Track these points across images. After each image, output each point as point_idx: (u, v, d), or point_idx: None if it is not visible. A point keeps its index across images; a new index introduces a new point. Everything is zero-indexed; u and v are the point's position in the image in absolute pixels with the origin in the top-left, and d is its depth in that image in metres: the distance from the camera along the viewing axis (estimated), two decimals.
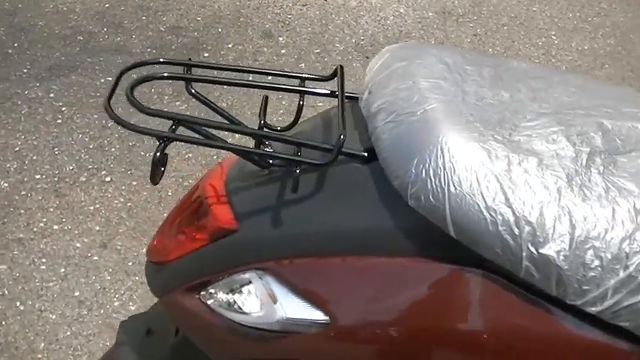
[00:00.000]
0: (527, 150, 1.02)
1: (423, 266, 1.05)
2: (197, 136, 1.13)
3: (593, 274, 0.94)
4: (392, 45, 1.29)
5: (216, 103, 1.24)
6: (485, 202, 0.96)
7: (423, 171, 0.98)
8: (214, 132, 1.14)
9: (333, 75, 1.25)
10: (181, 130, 1.09)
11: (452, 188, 0.96)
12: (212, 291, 1.17)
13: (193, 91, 1.20)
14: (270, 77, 1.34)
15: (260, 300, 1.12)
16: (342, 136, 1.03)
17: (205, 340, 1.25)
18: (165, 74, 1.15)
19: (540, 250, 0.94)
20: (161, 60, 1.24)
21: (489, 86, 1.17)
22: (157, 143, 1.06)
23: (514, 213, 0.95)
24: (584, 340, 1.02)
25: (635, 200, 0.98)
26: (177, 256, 1.23)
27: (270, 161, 1.15)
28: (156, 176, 1.10)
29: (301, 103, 1.23)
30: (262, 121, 1.18)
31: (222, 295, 1.16)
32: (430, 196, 0.97)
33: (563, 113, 1.12)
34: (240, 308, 1.13)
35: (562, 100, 1.17)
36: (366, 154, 1.10)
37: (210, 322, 1.17)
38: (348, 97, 1.23)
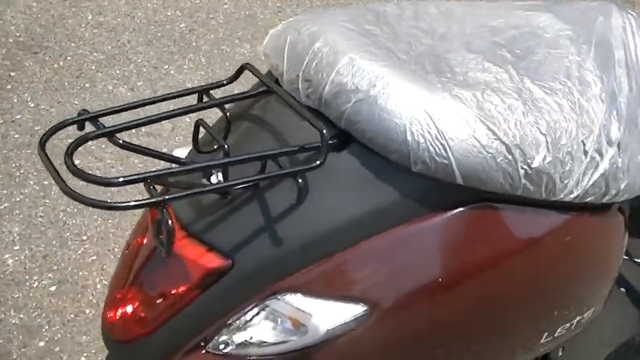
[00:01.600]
0: (480, 84, 1.11)
1: (437, 220, 1.09)
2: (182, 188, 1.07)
3: (568, 167, 1.08)
4: (286, 23, 1.25)
5: (143, 147, 1.12)
6: (481, 142, 1.03)
7: (420, 136, 1.02)
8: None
9: (235, 76, 1.19)
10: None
11: (451, 142, 1.02)
12: (225, 338, 1.08)
13: (121, 141, 1.05)
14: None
15: (290, 321, 1.06)
16: (324, 131, 1.01)
17: None
18: (92, 134, 1.01)
19: (532, 165, 1.05)
20: (65, 121, 1.06)
21: (406, 37, 1.22)
22: None
23: (504, 143, 1.04)
24: (563, 226, 1.19)
25: (567, 96, 1.12)
26: (163, 322, 1.10)
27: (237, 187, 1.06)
28: (170, 247, 1.00)
29: (227, 115, 1.17)
30: (195, 149, 1.17)
31: (240, 336, 1.08)
32: (435, 157, 1.02)
33: (474, 43, 1.23)
34: (266, 340, 1.07)
35: (465, 31, 1.27)
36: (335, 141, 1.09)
37: None
38: (264, 92, 1.18)
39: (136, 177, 0.94)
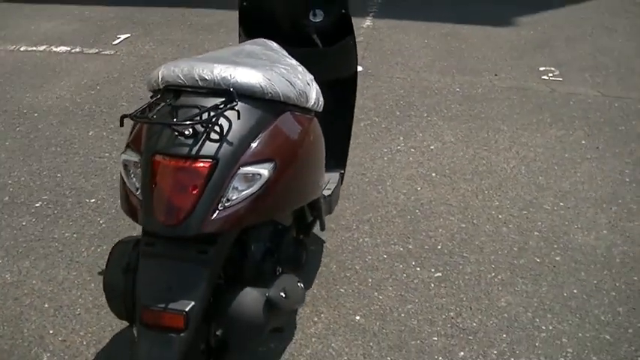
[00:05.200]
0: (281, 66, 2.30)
1: (284, 116, 2.18)
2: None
3: (307, 92, 2.34)
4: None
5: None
6: (295, 87, 2.23)
7: (267, 85, 2.10)
8: None
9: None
10: None
11: (278, 86, 2.13)
12: (228, 196, 1.99)
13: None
14: None
15: (248, 177, 2.03)
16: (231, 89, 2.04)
17: None
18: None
19: (302, 90, 2.27)
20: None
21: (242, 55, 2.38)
22: None
23: (295, 86, 2.23)
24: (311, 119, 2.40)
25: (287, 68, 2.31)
26: (194, 205, 1.91)
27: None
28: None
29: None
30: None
31: (232, 194, 2.01)
32: (275, 91, 2.13)
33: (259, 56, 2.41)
34: (241, 188, 2.06)
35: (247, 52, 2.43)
36: None
37: None
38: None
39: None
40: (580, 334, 2.76)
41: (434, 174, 3.97)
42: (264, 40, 2.64)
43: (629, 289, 3.03)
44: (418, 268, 3.14)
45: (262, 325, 2.08)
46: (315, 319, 2.81)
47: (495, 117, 4.75)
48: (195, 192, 1.90)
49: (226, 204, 1.95)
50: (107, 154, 4.12)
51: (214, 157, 1.92)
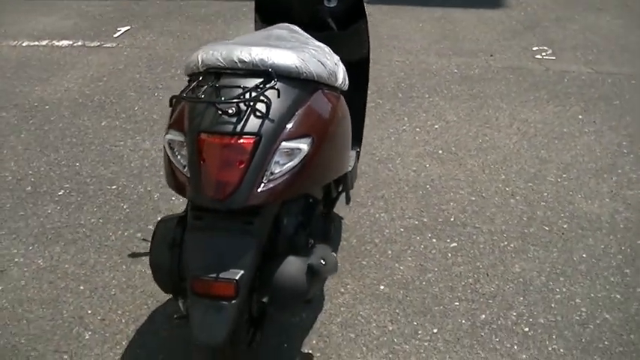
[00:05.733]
0: (311, 47, 2.46)
1: (318, 93, 2.32)
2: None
3: (335, 71, 2.49)
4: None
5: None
6: (326, 67, 2.38)
7: (303, 66, 2.24)
8: None
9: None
10: None
11: (313, 67, 2.28)
12: (272, 169, 2.11)
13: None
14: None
15: (289, 151, 2.15)
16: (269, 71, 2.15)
17: None
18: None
19: (332, 71, 2.41)
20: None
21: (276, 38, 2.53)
22: None
23: (328, 68, 2.39)
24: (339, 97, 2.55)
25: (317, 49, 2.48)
26: (239, 181, 2.03)
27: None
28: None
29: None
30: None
31: (276, 167, 2.14)
32: (311, 72, 2.28)
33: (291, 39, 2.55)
34: (283, 162, 2.16)
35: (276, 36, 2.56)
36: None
37: None
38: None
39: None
40: (592, 295, 2.92)
41: (440, 151, 4.11)
42: (287, 24, 2.76)
43: (634, 252, 3.19)
44: (434, 240, 3.28)
45: (306, 292, 2.21)
46: (342, 290, 2.95)
47: (494, 96, 4.89)
48: (241, 167, 2.02)
49: (270, 177, 2.08)
50: (122, 143, 4.23)
51: (257, 134, 2.05)
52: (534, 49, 5.86)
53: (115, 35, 6.23)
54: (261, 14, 3.18)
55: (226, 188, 2.03)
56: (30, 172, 3.93)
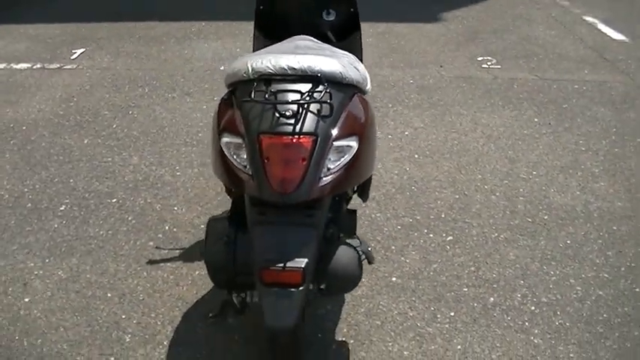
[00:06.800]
0: (342, 55, 2.68)
1: (355, 98, 2.51)
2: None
3: (366, 77, 2.68)
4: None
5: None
6: (360, 73, 2.58)
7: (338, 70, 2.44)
8: None
9: None
10: None
11: (349, 72, 2.47)
12: (328, 166, 2.30)
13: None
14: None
15: (339, 149, 2.33)
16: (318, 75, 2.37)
17: None
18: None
19: (364, 76, 2.63)
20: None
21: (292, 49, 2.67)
22: None
23: (361, 73, 2.60)
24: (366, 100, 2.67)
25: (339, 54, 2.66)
26: (302, 177, 2.21)
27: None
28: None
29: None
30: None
31: (331, 164, 2.31)
32: (345, 76, 2.47)
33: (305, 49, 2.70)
34: (334, 159, 2.35)
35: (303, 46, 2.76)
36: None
37: None
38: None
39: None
40: (583, 275, 3.22)
41: (416, 155, 4.38)
42: (304, 36, 2.97)
43: (612, 236, 3.53)
44: (431, 235, 3.54)
45: (360, 277, 2.43)
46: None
47: (453, 103, 5.21)
48: (304, 163, 2.22)
49: (327, 173, 2.27)
50: (110, 159, 4.34)
51: (315, 133, 2.25)
52: (479, 59, 6.23)
53: (72, 57, 6.29)
54: (263, 30, 3.37)
55: (291, 183, 2.22)
56: (25, 189, 4.00)
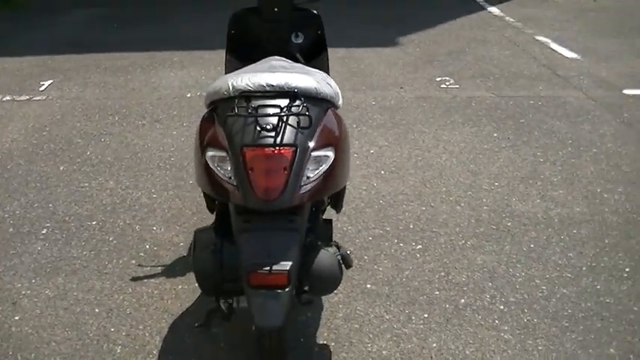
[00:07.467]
0: (315, 73, 2.88)
1: (329, 112, 2.72)
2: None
3: (337, 91, 2.90)
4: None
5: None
6: (333, 88, 2.82)
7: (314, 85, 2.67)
8: None
9: None
10: None
11: (323, 88, 2.70)
12: (308, 175, 2.48)
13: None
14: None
15: (317, 159, 2.52)
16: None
17: None
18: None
19: (336, 91, 2.86)
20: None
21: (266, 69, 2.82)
22: None
23: (334, 88, 2.83)
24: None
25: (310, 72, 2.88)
26: (283, 186, 2.40)
27: None
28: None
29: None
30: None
31: (310, 172, 2.49)
32: (321, 92, 2.71)
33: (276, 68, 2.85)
34: (314, 168, 2.53)
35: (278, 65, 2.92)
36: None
37: None
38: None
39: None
40: (547, 276, 3.43)
41: (382, 172, 4.58)
42: (277, 57, 3.15)
43: (572, 239, 3.75)
44: (401, 244, 3.72)
45: (341, 279, 2.59)
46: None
47: (414, 122, 5.43)
48: (285, 172, 2.40)
49: (306, 181, 2.45)
50: (87, 184, 4.46)
51: (294, 144, 2.42)
52: (438, 79, 6.48)
53: (41, 89, 6.40)
54: (236, 54, 3.55)
55: (274, 191, 2.39)
56: (6, 215, 4.10)
